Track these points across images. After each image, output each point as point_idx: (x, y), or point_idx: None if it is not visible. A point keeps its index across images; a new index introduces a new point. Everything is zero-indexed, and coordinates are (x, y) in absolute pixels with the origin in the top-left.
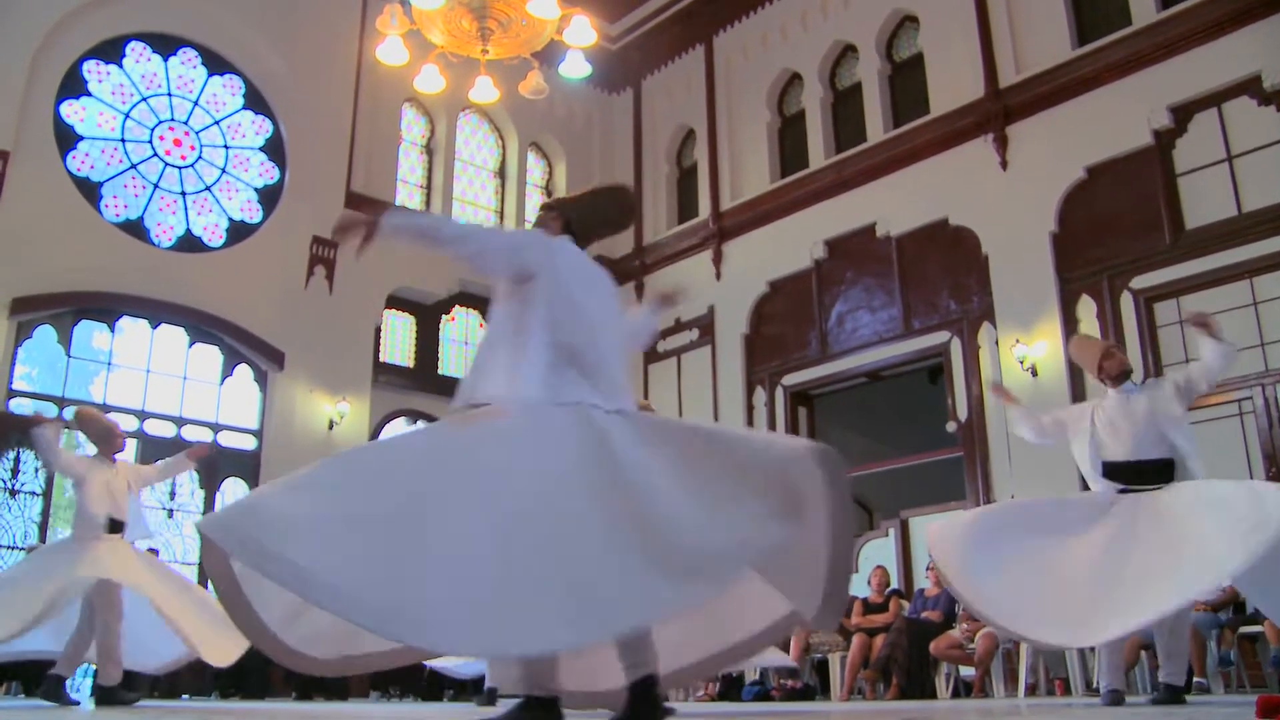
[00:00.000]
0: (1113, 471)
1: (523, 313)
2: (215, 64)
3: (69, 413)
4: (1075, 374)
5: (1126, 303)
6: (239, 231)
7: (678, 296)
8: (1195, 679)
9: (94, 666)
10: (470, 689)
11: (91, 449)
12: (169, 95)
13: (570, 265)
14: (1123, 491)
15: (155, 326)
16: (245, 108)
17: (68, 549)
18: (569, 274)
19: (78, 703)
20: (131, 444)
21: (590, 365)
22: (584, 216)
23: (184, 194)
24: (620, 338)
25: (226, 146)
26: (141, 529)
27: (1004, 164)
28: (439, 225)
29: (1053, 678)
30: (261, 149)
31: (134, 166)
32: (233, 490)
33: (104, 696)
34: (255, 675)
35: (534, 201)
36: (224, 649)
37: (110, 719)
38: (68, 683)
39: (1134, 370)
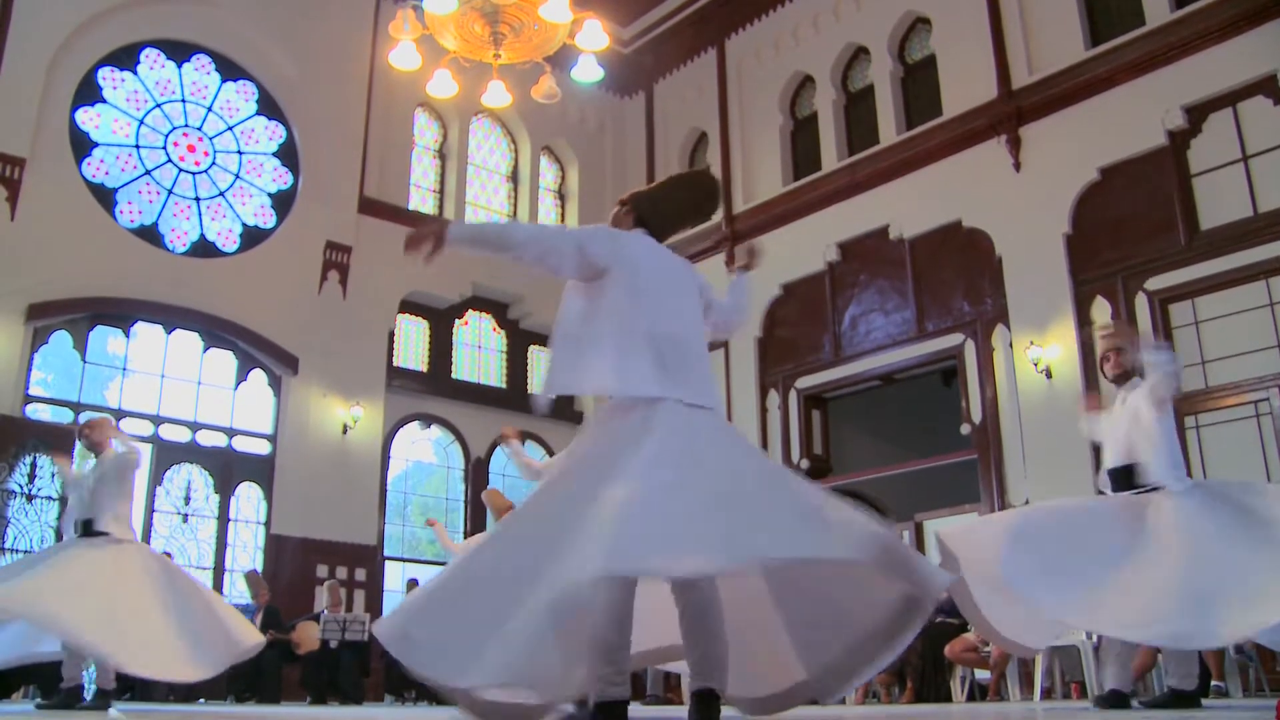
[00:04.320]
0: (1111, 477)
1: (594, 307)
2: (228, 70)
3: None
4: (1090, 376)
5: (1141, 304)
6: (253, 237)
7: (756, 254)
8: (1213, 682)
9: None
10: None
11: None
12: (183, 102)
13: (643, 257)
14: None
15: (170, 332)
16: (258, 113)
17: (95, 565)
18: (643, 266)
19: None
20: (146, 449)
21: (671, 358)
22: (659, 207)
23: (198, 199)
24: (701, 330)
25: (240, 152)
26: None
27: (1017, 165)
28: (507, 231)
29: (1069, 681)
30: (275, 154)
31: (148, 173)
32: (246, 495)
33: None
34: (270, 679)
35: (546, 205)
36: (193, 668)
37: None
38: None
39: (1135, 371)
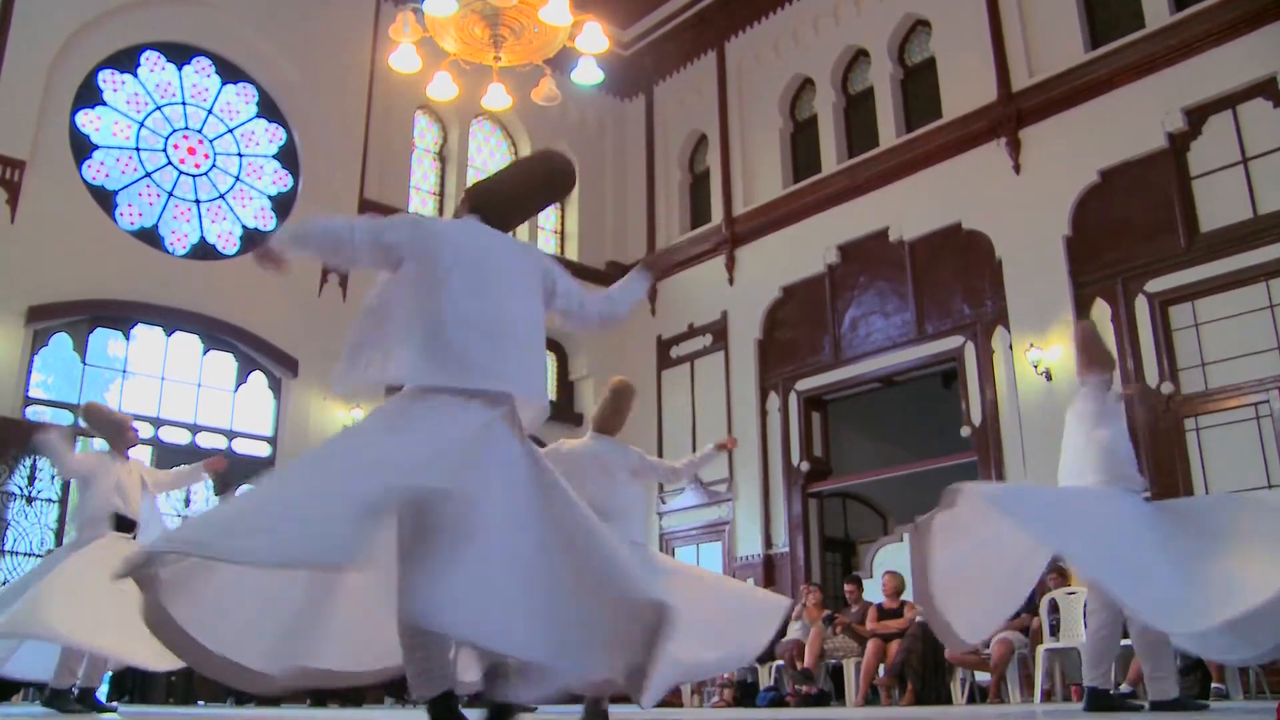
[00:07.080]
0: None
1: (388, 295)
2: (229, 73)
3: (80, 413)
4: None
5: (1141, 306)
6: (253, 239)
7: (657, 263)
8: (1213, 684)
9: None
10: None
11: (101, 445)
12: (183, 104)
13: (455, 243)
14: None
15: (170, 334)
16: (259, 116)
17: (65, 558)
18: (450, 252)
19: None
20: (146, 451)
21: (476, 346)
22: (494, 192)
23: (198, 202)
24: (534, 318)
25: (240, 154)
26: (156, 530)
27: (1017, 168)
28: (303, 226)
29: (1069, 683)
30: (275, 156)
31: (148, 175)
32: None
33: (53, 699)
34: None
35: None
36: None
37: None
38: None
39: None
